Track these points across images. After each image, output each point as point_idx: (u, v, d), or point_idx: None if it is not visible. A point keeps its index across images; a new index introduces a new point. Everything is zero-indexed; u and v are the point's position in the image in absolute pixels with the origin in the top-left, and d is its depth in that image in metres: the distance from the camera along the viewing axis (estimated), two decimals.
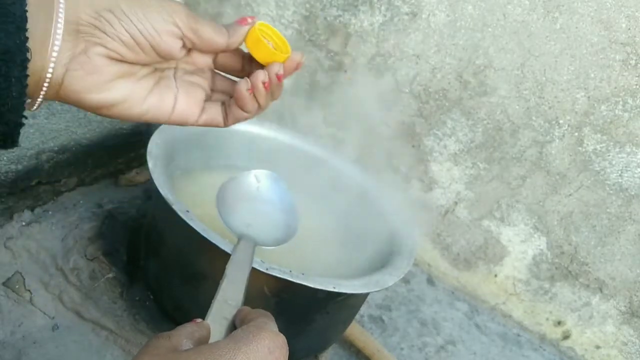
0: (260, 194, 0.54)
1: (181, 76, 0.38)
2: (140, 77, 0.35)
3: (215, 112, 0.39)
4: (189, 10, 0.34)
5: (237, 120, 0.39)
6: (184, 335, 0.28)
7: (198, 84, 0.39)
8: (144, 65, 0.35)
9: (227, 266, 0.39)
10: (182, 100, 0.37)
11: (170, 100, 0.37)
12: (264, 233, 0.49)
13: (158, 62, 0.36)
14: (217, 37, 0.35)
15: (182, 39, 0.34)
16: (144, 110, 0.35)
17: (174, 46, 0.34)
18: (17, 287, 0.63)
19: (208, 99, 0.39)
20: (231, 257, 0.42)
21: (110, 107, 0.34)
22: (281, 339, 0.29)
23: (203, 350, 0.26)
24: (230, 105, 0.38)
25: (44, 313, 0.62)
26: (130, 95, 0.34)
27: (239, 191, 0.53)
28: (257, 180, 0.54)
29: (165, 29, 0.33)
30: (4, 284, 0.63)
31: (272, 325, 0.30)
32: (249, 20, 0.37)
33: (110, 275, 0.68)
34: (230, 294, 0.36)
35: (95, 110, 0.34)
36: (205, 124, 0.39)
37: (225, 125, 0.39)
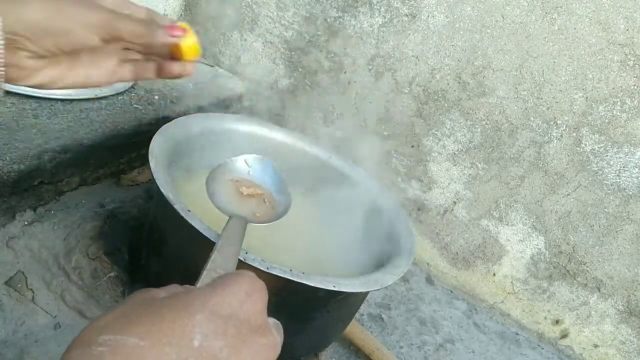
0: (252, 177, 0.55)
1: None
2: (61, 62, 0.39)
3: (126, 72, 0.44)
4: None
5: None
6: (163, 289, 0.28)
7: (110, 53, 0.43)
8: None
9: (217, 241, 0.40)
10: (94, 72, 0.42)
11: (85, 73, 0.41)
12: (255, 212, 0.51)
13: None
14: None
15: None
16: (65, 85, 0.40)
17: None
18: (19, 286, 0.64)
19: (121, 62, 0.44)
20: (221, 232, 0.42)
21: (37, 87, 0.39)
22: (260, 283, 0.29)
23: (178, 295, 0.26)
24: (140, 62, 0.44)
25: (46, 312, 0.63)
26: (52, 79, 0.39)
27: (230, 175, 0.54)
28: (248, 165, 0.56)
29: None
30: (6, 283, 0.63)
31: (253, 275, 0.30)
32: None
33: (112, 274, 0.69)
34: (220, 264, 0.36)
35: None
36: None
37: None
